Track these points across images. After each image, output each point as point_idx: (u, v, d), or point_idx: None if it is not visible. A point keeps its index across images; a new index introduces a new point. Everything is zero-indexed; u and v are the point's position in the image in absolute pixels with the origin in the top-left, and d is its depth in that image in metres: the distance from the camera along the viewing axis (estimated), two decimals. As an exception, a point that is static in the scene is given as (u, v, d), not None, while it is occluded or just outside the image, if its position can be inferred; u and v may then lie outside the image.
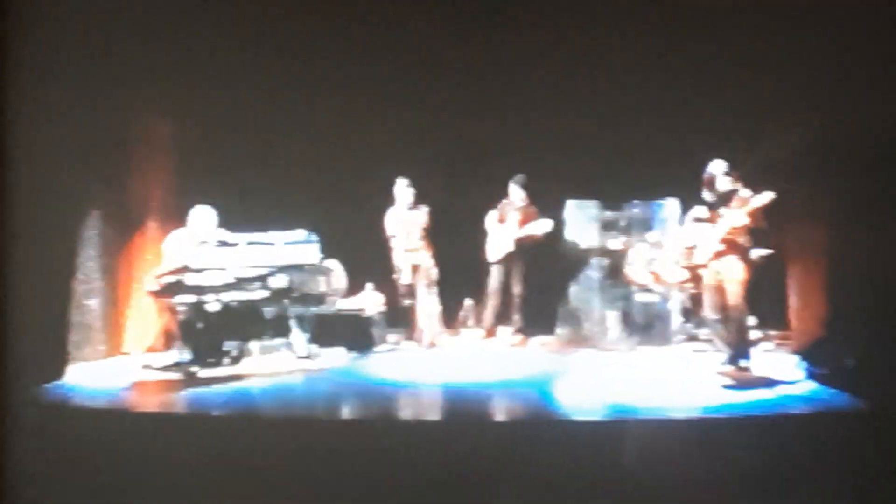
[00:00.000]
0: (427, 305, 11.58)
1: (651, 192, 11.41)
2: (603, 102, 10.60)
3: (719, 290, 9.99)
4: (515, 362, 10.73)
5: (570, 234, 11.74)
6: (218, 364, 10.33)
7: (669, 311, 11.29)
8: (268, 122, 10.97)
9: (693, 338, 11.15)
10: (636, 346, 11.16)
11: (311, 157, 11.35)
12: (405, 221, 11.57)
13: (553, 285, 11.63)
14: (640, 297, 11.45)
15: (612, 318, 11.42)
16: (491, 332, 11.79)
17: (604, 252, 11.70)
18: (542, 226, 11.59)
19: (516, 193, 11.77)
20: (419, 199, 11.63)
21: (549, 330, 11.67)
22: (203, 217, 10.60)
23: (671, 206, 11.32)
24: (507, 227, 11.73)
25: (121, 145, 10.55)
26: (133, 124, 10.58)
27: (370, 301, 11.64)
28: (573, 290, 11.68)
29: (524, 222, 11.71)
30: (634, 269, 11.54)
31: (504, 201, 11.62)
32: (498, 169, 11.71)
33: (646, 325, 11.28)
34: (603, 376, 9.87)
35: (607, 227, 11.72)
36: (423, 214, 11.57)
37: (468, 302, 12.12)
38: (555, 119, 11.11)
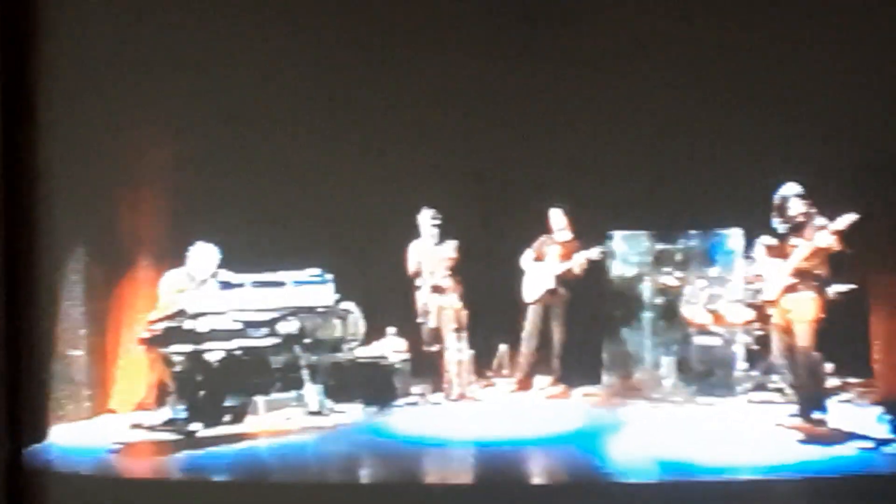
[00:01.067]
0: (456, 352, 10.70)
1: (711, 222, 10.27)
2: (655, 119, 10.03)
3: (790, 331, 9.43)
4: (557, 416, 10.08)
5: (618, 270, 11.02)
6: (219, 422, 9.77)
7: (733, 355, 10.36)
8: (276, 147, 10.15)
9: (760, 386, 10.25)
10: (695, 396, 10.32)
11: (325, 187, 10.29)
12: (430, 257, 10.63)
13: (599, 328, 10.76)
14: (698, 341, 10.53)
15: (667, 364, 10.57)
16: (528, 382, 10.96)
17: (657, 290, 11.04)
18: (589, 255, 10.90)
19: (557, 223, 11.07)
20: (446, 233, 10.61)
21: (594, 379, 10.71)
22: (203, 255, 10.00)
23: (734, 236, 10.26)
24: (546, 263, 11.15)
25: (111, 173, 9.98)
26: (125, 150, 10.09)
27: (392, 348, 10.69)
28: (622, 333, 10.92)
29: (566, 257, 10.82)
30: (692, 309, 10.59)
31: (542, 238, 11.03)
32: (536, 198, 10.66)
33: (706, 373, 10.40)
34: (657, 431, 9.40)
35: (661, 261, 10.79)
36: (450, 249, 10.60)
37: (503, 348, 11.04)
38: (600, 141, 10.20)
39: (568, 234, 10.89)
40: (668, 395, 10.42)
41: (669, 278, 10.79)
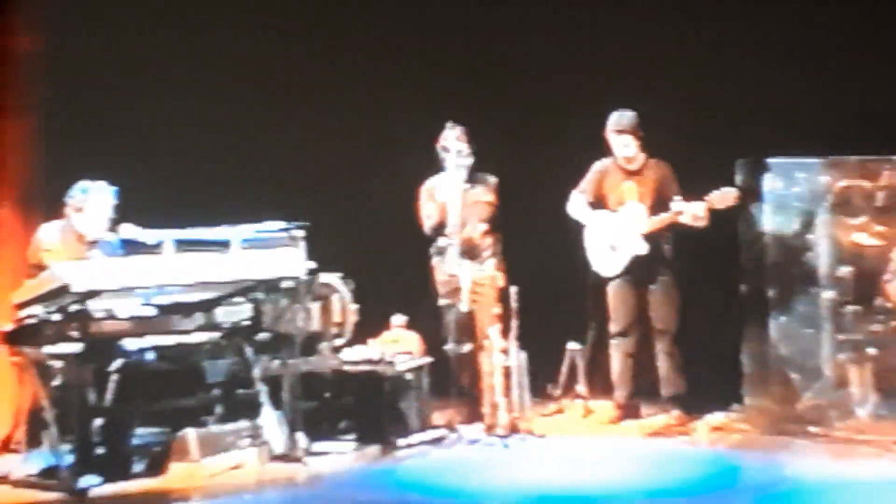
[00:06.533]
0: (500, 356, 8.81)
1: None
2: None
3: None
4: (669, 460, 8.30)
5: (769, 220, 8.91)
6: (126, 473, 7.83)
7: None
8: (212, 45, 9.33)
9: None
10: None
11: (295, 98, 9.53)
12: (457, 204, 8.83)
13: (736, 317, 8.93)
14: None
15: (859, 379, 8.55)
16: (623, 406, 9.13)
17: (841, 253, 8.86)
18: (716, 202, 8.60)
19: (621, 146, 8.91)
20: (483, 165, 8.98)
21: (728, 399, 8.92)
22: (95, 199, 8.41)
23: None
24: (625, 213, 8.99)
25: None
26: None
27: (399, 348, 9.13)
28: (779, 324, 8.90)
29: (655, 196, 8.83)
30: (905, 285, 8.96)
31: (598, 165, 9.07)
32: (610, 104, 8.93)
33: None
34: (842, 498, 7.35)
35: (847, 205, 8.80)
36: (487, 191, 8.96)
37: (574, 347, 9.36)
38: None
39: (640, 157, 8.87)
40: (863, 434, 8.43)
41: (863, 234, 8.90)
